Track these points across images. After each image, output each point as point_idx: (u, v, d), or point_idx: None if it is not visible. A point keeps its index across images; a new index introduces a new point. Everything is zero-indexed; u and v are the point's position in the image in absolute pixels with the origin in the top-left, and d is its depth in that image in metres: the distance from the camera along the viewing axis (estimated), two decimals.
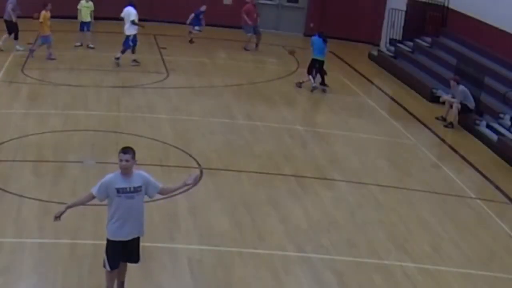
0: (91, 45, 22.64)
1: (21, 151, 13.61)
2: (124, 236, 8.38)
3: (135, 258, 8.69)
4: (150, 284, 9.30)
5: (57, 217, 8.42)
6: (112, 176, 8.31)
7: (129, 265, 9.30)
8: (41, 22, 20.75)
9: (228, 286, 9.48)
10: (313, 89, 20.05)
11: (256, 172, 13.64)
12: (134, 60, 21.05)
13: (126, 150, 8.28)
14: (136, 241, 8.54)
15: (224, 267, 9.91)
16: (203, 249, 10.38)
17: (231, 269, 9.90)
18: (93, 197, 8.37)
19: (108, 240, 8.43)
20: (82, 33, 22.78)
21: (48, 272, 9.30)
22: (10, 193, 11.59)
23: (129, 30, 20.81)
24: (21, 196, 11.49)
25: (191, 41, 24.22)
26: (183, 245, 10.49)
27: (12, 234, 10.28)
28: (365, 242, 11.15)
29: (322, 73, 20.21)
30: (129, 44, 20.89)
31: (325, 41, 20.11)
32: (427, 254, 10.99)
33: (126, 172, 8.24)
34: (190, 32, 24.26)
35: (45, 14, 20.81)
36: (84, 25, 22.65)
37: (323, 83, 20.26)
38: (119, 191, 8.20)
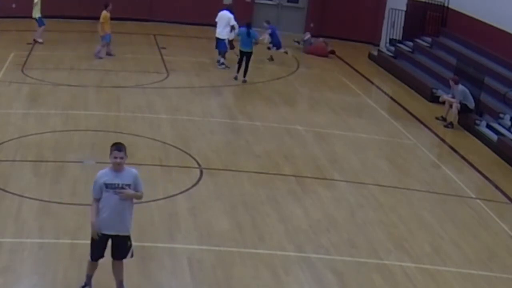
0: (40, 40, 22.57)
1: (21, 151, 13.61)
2: (109, 231, 8.47)
3: (122, 255, 8.70)
4: (149, 284, 9.30)
5: (96, 236, 8.54)
6: (102, 172, 8.44)
7: (129, 264, 9.30)
8: (102, 23, 21.02)
9: (228, 286, 9.47)
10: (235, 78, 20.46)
11: (256, 172, 13.63)
12: (223, 63, 21.65)
13: (120, 147, 8.34)
14: (122, 238, 8.57)
15: (224, 267, 9.91)
16: (203, 249, 10.37)
17: (231, 269, 9.89)
18: (98, 199, 8.44)
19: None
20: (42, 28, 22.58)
21: (48, 272, 9.30)
22: (10, 193, 11.59)
23: (227, 34, 21.44)
24: (21, 196, 11.48)
25: None
26: (183, 245, 10.49)
27: (12, 234, 10.27)
28: (365, 242, 11.14)
29: (247, 65, 20.41)
30: (227, 46, 21.61)
31: (248, 32, 20.33)
32: (427, 254, 10.99)
33: (118, 168, 8.32)
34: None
35: (106, 14, 21.16)
36: (40, 20, 22.46)
37: (245, 75, 20.47)
38: (107, 186, 8.32)
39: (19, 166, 12.94)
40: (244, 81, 20.29)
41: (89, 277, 8.76)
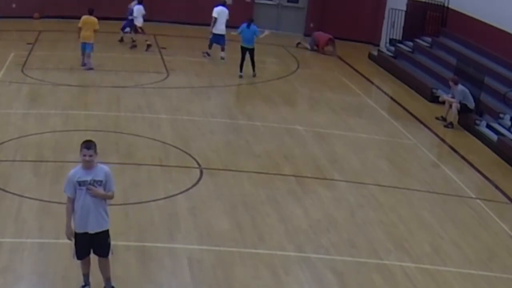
0: None
1: (21, 151, 13.61)
2: (88, 228, 8.49)
3: (103, 252, 8.72)
4: (150, 284, 9.30)
5: (70, 239, 8.66)
6: (74, 170, 8.53)
7: (129, 264, 9.32)
8: (96, 30, 20.02)
9: (228, 286, 9.47)
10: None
11: (256, 172, 13.63)
12: (222, 57, 22.14)
13: (89, 145, 8.42)
14: (102, 235, 8.59)
15: (224, 267, 9.91)
16: (203, 249, 10.37)
17: (231, 269, 9.89)
18: (72, 199, 8.50)
19: (75, 233, 8.56)
20: None
21: (48, 272, 9.30)
22: (10, 193, 11.59)
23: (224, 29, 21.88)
24: (21, 196, 11.49)
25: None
26: (183, 245, 10.48)
27: (12, 234, 10.28)
28: (365, 242, 11.14)
29: (253, 60, 20.78)
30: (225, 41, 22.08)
31: (249, 27, 20.64)
32: (427, 254, 10.99)
33: (88, 165, 8.40)
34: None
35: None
36: None
37: (253, 69, 20.90)
38: (80, 184, 8.39)
39: (19, 166, 12.94)
40: (254, 75, 20.75)
41: (86, 276, 8.79)
